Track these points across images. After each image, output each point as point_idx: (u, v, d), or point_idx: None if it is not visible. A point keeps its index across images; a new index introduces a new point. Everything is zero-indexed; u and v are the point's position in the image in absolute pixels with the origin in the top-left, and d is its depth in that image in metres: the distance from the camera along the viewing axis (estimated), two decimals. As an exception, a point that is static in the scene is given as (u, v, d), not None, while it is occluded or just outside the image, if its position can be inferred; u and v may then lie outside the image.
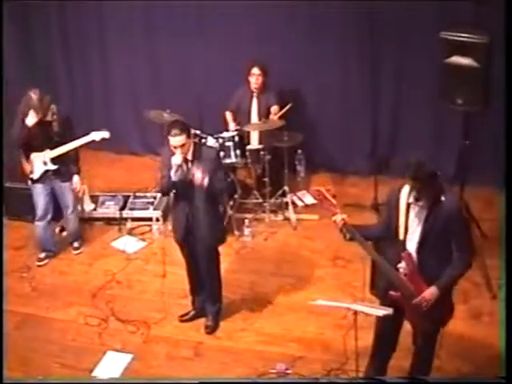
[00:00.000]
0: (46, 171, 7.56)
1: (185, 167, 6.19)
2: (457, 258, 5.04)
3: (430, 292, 5.05)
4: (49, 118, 7.35)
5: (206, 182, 6.12)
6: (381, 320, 5.37)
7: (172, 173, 6.13)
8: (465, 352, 6.20)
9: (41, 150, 7.49)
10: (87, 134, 7.66)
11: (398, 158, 8.88)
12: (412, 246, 5.11)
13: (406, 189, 5.06)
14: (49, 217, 7.76)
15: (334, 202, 5.30)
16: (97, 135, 7.70)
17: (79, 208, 8.49)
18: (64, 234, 8.36)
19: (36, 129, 7.30)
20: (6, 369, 6.29)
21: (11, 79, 8.89)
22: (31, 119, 7.22)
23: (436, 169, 4.93)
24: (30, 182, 7.65)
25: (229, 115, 8.85)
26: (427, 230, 5.02)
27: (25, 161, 7.60)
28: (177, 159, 6.10)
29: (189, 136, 6.20)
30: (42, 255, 7.88)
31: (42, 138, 7.42)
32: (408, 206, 5.06)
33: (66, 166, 7.61)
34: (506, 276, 5.47)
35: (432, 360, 5.52)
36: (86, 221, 8.56)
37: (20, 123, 7.31)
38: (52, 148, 7.50)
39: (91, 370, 6.33)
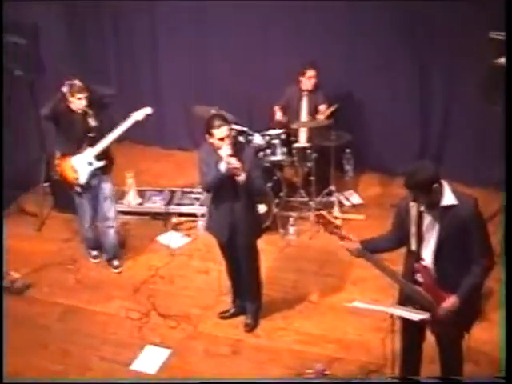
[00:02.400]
0: (94, 171, 7.22)
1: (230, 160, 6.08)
2: (475, 263, 4.89)
3: (451, 302, 4.92)
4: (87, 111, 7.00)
5: (244, 177, 6.09)
6: (405, 329, 5.34)
7: (222, 165, 6.04)
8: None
9: (78, 150, 7.12)
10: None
11: (448, 159, 8.77)
12: (428, 255, 5.00)
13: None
14: (95, 224, 7.61)
15: (337, 223, 5.26)
16: (139, 114, 7.28)
17: (126, 202, 8.57)
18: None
19: (73, 123, 7.01)
20: (48, 360, 6.43)
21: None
22: (78, 103, 6.89)
23: (432, 175, 4.77)
24: (78, 190, 7.27)
25: (277, 108, 8.81)
26: (442, 238, 4.89)
27: (62, 166, 7.24)
28: (226, 150, 6.02)
29: (230, 129, 6.17)
30: (95, 252, 7.81)
31: (81, 131, 7.05)
32: (420, 214, 4.95)
33: (109, 161, 7.31)
34: (506, 276, 5.32)
35: (461, 365, 5.40)
36: (132, 215, 8.64)
37: (59, 100, 6.95)
38: (91, 145, 7.14)
39: (129, 364, 6.38)
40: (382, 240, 5.33)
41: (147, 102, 10.06)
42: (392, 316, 5.35)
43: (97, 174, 7.26)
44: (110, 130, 7.22)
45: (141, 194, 8.84)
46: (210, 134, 6.07)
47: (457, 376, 5.43)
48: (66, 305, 7.20)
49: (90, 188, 7.30)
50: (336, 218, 8.14)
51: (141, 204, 8.74)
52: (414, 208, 4.96)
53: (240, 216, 6.36)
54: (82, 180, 7.20)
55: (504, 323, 5.14)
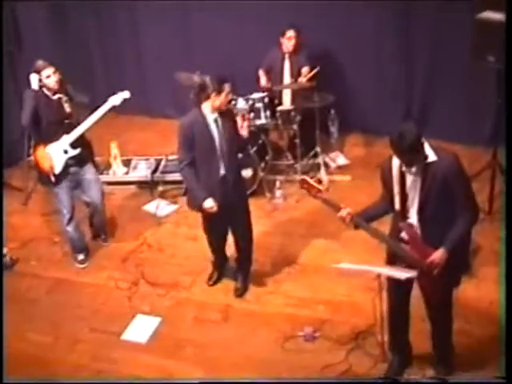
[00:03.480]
0: (69, 160, 6.96)
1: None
2: (460, 215, 4.88)
3: (438, 255, 4.92)
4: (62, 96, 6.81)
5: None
6: (391, 288, 5.35)
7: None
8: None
9: (54, 137, 6.88)
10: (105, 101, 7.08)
11: (434, 118, 8.74)
12: (413, 213, 5.00)
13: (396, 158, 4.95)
14: (75, 215, 7.24)
15: (320, 188, 5.29)
16: (116, 99, 7.04)
17: (111, 172, 8.53)
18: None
19: (50, 107, 6.78)
20: (38, 333, 6.43)
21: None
22: (50, 80, 6.67)
23: (418, 135, 4.75)
24: (53, 179, 6.97)
25: (261, 71, 8.77)
26: (425, 195, 4.89)
27: (37, 154, 6.97)
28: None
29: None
30: (81, 257, 7.40)
31: (56, 119, 6.82)
32: (402, 174, 4.94)
33: (85, 149, 7.08)
34: (506, 271, 5.32)
35: (451, 324, 5.43)
36: (117, 184, 8.63)
37: (32, 100, 6.74)
38: (67, 132, 6.91)
39: (120, 334, 6.38)
40: (375, 207, 5.32)
41: (130, 72, 10.16)
42: (379, 276, 5.35)
43: (72, 163, 7.01)
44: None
45: (126, 163, 8.80)
46: (219, 93, 6.02)
47: (446, 337, 5.45)
48: (54, 278, 7.19)
49: (67, 176, 7.04)
50: (320, 181, 8.14)
51: (126, 173, 8.70)
52: (395, 168, 4.95)
53: (232, 181, 6.31)
54: (58, 169, 6.95)
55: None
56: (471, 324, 6.01)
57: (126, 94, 7.13)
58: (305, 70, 8.46)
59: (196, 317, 6.54)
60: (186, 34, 9.72)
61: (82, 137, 7.00)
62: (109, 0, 9.90)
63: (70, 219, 7.20)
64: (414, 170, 4.87)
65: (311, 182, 5.32)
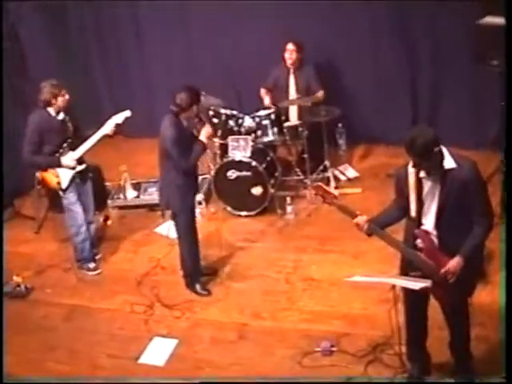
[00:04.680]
0: (75, 175, 7.18)
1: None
2: (477, 223, 4.88)
3: (454, 263, 4.91)
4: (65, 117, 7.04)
5: None
6: (408, 298, 5.32)
7: (203, 137, 6.73)
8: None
9: (57, 153, 7.04)
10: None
11: (441, 124, 8.73)
12: (429, 221, 4.99)
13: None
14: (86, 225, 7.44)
15: (335, 194, 5.29)
16: (118, 118, 7.22)
17: (122, 196, 8.56)
18: (109, 223, 8.41)
19: (55, 129, 6.97)
20: (56, 362, 6.43)
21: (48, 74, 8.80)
22: (63, 99, 6.90)
23: (432, 139, 4.75)
24: (61, 194, 7.19)
25: (263, 91, 8.79)
26: (443, 202, 4.88)
27: (43, 172, 7.15)
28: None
29: None
30: (92, 265, 7.57)
31: (61, 140, 7.03)
32: (419, 181, 4.93)
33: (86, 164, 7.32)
34: (506, 271, 5.29)
35: (468, 331, 5.40)
36: (129, 208, 8.64)
37: (35, 128, 6.92)
38: (73, 149, 7.10)
39: (138, 358, 6.36)
40: (388, 213, 5.31)
41: (137, 95, 10.19)
42: (394, 287, 5.32)
43: (78, 177, 7.22)
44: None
45: (136, 186, 8.82)
46: (197, 103, 6.56)
47: (464, 344, 5.42)
48: (70, 304, 7.17)
49: (73, 190, 7.23)
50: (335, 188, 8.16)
51: (137, 197, 8.72)
52: (412, 175, 4.94)
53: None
54: (65, 184, 7.13)
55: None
56: (487, 329, 5.97)
57: (127, 113, 7.26)
58: (320, 94, 8.47)
59: (213, 337, 6.52)
60: (190, 55, 9.76)
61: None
62: (112, 21, 9.98)
63: (84, 229, 7.35)
64: (432, 177, 4.86)
65: (326, 188, 5.30)
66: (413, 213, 5.03)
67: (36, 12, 9.34)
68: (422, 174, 4.89)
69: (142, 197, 8.72)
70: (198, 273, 7.10)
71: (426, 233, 5.02)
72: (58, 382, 5.98)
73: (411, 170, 4.94)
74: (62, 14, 9.95)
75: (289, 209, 8.13)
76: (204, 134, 6.68)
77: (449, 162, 4.84)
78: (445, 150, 4.86)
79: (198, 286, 7.06)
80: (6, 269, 7.50)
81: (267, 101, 8.68)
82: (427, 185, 4.93)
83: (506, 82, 6.64)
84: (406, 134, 4.83)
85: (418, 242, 5.07)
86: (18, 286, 7.33)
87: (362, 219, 5.16)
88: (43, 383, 5.95)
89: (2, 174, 8.35)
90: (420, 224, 5.04)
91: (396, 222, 5.28)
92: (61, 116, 7.00)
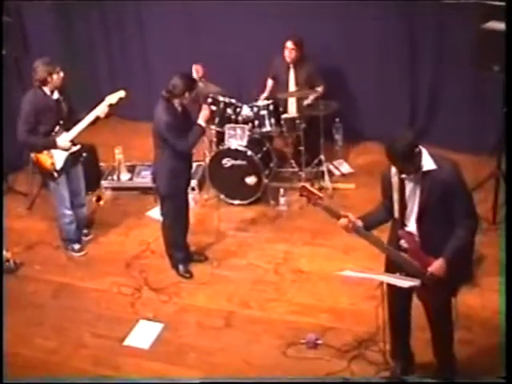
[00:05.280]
0: (69, 156, 7.15)
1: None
2: (459, 225, 4.88)
3: (437, 266, 4.93)
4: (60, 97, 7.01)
5: None
6: (390, 298, 5.37)
7: (201, 120, 6.78)
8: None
9: (54, 136, 7.03)
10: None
11: (438, 126, 8.76)
12: (412, 221, 5.02)
13: None
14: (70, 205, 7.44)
15: (320, 195, 5.28)
16: (113, 98, 7.17)
17: (115, 177, 8.57)
18: (101, 203, 8.41)
19: (50, 108, 6.93)
20: (42, 338, 6.47)
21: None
22: (58, 76, 6.86)
23: (411, 142, 4.78)
24: (55, 175, 7.14)
25: (270, 82, 8.82)
26: (424, 203, 4.90)
27: (37, 153, 7.11)
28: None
29: None
30: (77, 246, 7.60)
31: (55, 120, 6.99)
32: (402, 182, 4.94)
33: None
34: (506, 271, 5.32)
35: (451, 332, 5.41)
36: (122, 190, 8.65)
37: (30, 107, 6.91)
38: (67, 130, 7.07)
39: (123, 339, 6.39)
40: (375, 214, 5.33)
41: (136, 78, 10.16)
42: (382, 284, 5.35)
43: (71, 159, 7.18)
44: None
45: (130, 169, 8.81)
46: (191, 91, 6.58)
47: (447, 345, 5.45)
48: (58, 282, 7.20)
49: (64, 174, 7.23)
50: (321, 188, 8.16)
51: (130, 179, 8.72)
52: (395, 176, 4.96)
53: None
54: (59, 165, 7.11)
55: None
56: (473, 333, 6.02)
57: (121, 93, 7.24)
58: (320, 89, 8.48)
59: (199, 323, 6.55)
60: (192, 40, 9.72)
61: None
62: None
63: (69, 209, 7.36)
64: (412, 177, 4.87)
65: (311, 188, 5.30)
66: (396, 213, 5.06)
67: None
68: (404, 174, 4.89)
69: (135, 179, 8.71)
70: (183, 255, 7.14)
71: (410, 234, 5.04)
72: (58, 381, 5.98)
73: (394, 171, 4.96)
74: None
75: (282, 200, 8.15)
76: (202, 116, 6.73)
77: (428, 163, 4.85)
78: (424, 151, 4.87)
79: (180, 267, 7.14)
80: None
81: (265, 93, 8.75)
82: (409, 186, 4.95)
83: (505, 88, 6.65)
84: (387, 141, 4.85)
85: (402, 242, 5.10)
86: (8, 260, 7.34)
87: (345, 220, 5.15)
88: (43, 383, 5.95)
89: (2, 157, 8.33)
90: (403, 225, 5.06)
91: (384, 222, 5.30)
92: (55, 95, 6.98)
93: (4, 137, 8.39)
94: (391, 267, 5.25)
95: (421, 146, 4.84)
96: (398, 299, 5.36)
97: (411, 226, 5.03)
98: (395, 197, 5.00)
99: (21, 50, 8.31)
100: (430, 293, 5.10)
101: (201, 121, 6.72)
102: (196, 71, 7.43)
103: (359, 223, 5.16)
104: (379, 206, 5.32)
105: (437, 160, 4.87)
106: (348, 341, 6.14)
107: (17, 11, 8.22)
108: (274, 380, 5.82)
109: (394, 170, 4.96)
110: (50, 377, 6.00)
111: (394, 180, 4.98)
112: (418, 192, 4.91)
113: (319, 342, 6.16)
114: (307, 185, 5.38)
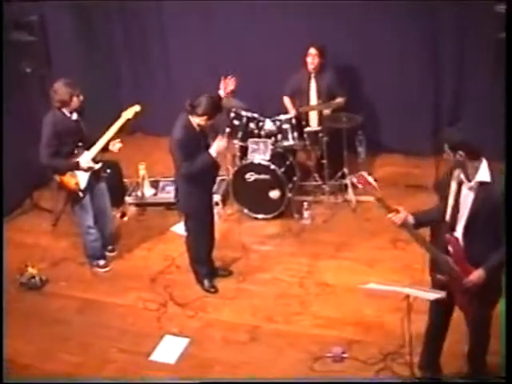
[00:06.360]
0: (92, 174, 7.20)
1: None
2: (503, 241, 4.84)
3: (477, 275, 4.93)
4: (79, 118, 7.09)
5: None
6: (433, 306, 5.34)
7: (213, 150, 6.61)
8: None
9: (76, 156, 7.06)
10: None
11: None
12: (460, 228, 5.01)
13: (458, 171, 4.96)
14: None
15: (376, 185, 5.22)
16: (129, 113, 7.29)
17: (139, 193, 8.60)
18: (125, 219, 8.45)
19: (70, 129, 6.99)
20: (68, 354, 6.49)
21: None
22: (78, 99, 6.94)
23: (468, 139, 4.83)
24: (81, 195, 7.18)
25: (287, 101, 8.81)
26: (474, 212, 4.90)
27: (61, 175, 7.14)
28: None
29: None
30: (102, 262, 7.63)
31: (77, 137, 7.05)
32: (459, 187, 4.96)
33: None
34: (506, 275, 5.26)
35: (487, 343, 5.40)
36: (146, 206, 8.68)
37: (51, 129, 6.93)
38: (87, 149, 7.12)
39: (149, 354, 6.39)
40: (429, 212, 5.32)
41: (158, 93, 10.22)
42: (408, 296, 5.32)
43: (94, 177, 7.24)
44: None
45: (154, 184, 8.85)
46: (210, 118, 6.47)
47: (482, 356, 5.44)
48: (83, 298, 7.22)
49: (89, 189, 7.26)
50: (345, 201, 8.22)
51: (155, 195, 8.76)
52: (455, 182, 4.97)
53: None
54: (83, 184, 7.15)
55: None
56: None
57: (136, 108, 7.35)
58: (339, 100, 8.50)
59: (224, 337, 6.54)
60: (213, 55, 9.77)
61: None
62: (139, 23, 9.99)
63: (94, 227, 7.40)
64: (469, 184, 4.89)
65: (369, 178, 5.23)
66: (448, 217, 5.05)
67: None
68: (462, 176, 4.90)
69: (159, 195, 8.75)
70: (207, 271, 7.15)
71: (457, 239, 5.04)
72: (58, 381, 6.00)
73: (455, 174, 4.96)
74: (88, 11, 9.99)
75: (305, 214, 8.14)
76: (216, 146, 6.56)
77: (484, 175, 4.85)
78: (485, 163, 4.87)
79: (205, 282, 7.14)
80: (21, 260, 7.58)
81: (290, 109, 8.70)
82: (464, 192, 4.96)
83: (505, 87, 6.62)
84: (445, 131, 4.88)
85: (449, 247, 5.08)
86: (33, 277, 7.39)
87: (397, 216, 5.10)
88: (43, 383, 5.98)
89: (2, 172, 8.37)
90: (452, 229, 5.06)
91: (435, 222, 5.24)
92: (74, 116, 7.03)
93: (29, 153, 8.44)
94: (434, 269, 5.22)
95: (482, 158, 4.87)
96: (440, 309, 5.35)
97: (458, 232, 5.03)
98: (450, 201, 5.00)
99: (46, 69, 8.37)
100: (471, 304, 5.10)
101: (213, 150, 6.56)
102: (225, 85, 7.29)
103: (410, 219, 5.13)
104: (434, 207, 5.33)
105: (494, 175, 4.87)
106: (374, 354, 6.11)
107: (41, 29, 8.28)
108: (274, 380, 5.84)
109: (455, 174, 4.96)
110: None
111: (453, 184, 4.98)
112: (470, 201, 4.92)
113: (345, 355, 6.14)
114: (365, 173, 5.29)
